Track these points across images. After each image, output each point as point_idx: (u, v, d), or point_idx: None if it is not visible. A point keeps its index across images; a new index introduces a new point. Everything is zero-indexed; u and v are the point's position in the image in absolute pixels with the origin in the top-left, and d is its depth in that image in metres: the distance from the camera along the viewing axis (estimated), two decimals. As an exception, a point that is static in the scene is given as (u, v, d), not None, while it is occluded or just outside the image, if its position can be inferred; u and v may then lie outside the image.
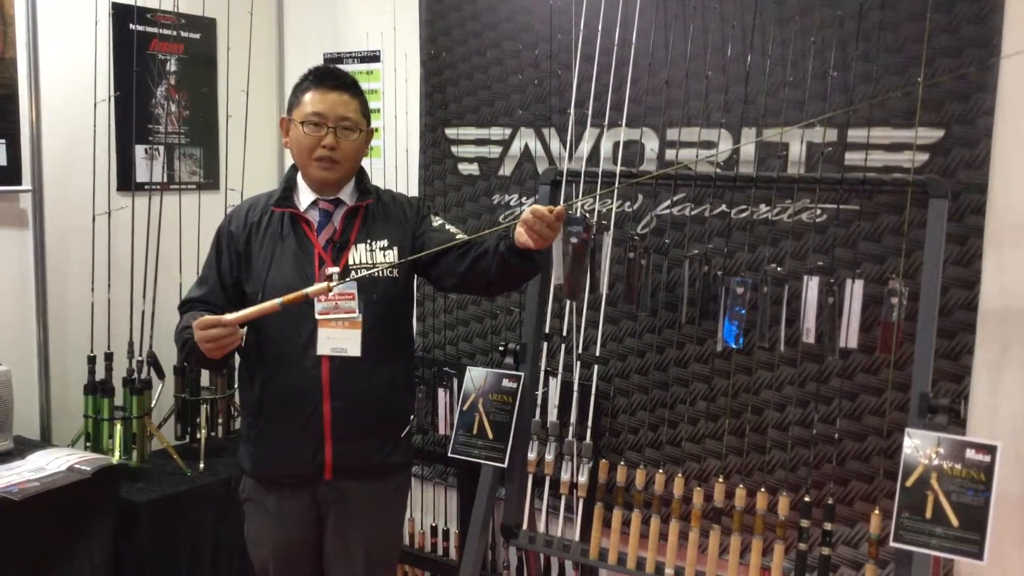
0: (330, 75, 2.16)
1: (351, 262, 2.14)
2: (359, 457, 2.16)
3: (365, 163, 2.24)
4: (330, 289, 1.93)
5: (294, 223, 2.17)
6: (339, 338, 2.06)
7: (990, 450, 1.84)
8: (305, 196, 2.19)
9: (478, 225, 2.95)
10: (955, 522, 1.83)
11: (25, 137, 2.80)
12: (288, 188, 2.20)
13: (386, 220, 2.22)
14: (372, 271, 2.10)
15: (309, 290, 1.93)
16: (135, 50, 3.02)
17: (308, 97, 2.12)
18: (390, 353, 2.18)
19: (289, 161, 2.29)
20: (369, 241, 2.17)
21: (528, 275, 2.20)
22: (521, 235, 1.92)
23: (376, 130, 3.13)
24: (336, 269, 2.09)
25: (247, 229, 2.19)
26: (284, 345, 2.13)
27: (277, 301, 1.93)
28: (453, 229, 2.22)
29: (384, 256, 2.17)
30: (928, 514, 1.86)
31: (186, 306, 2.22)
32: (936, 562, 1.94)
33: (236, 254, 2.18)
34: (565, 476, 2.37)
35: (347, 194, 2.20)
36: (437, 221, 2.25)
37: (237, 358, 2.30)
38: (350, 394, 2.13)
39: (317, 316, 2.08)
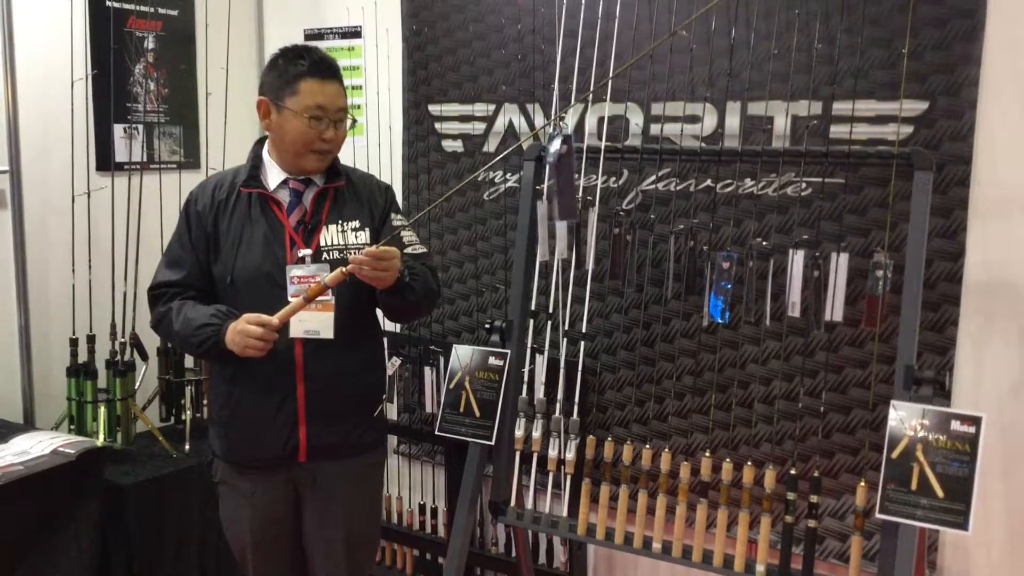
0: (326, 65, 2.08)
1: (323, 243, 2.11)
2: (333, 438, 2.15)
3: (348, 141, 2.21)
4: (344, 275, 1.92)
5: (263, 204, 2.12)
6: (312, 321, 2.03)
7: (975, 421, 1.84)
8: (274, 176, 2.13)
9: (462, 203, 2.93)
10: (940, 493, 1.84)
11: (1, 117, 2.77)
12: (255, 167, 2.14)
13: (356, 201, 2.18)
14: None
15: (327, 278, 1.93)
16: (112, 27, 2.97)
17: (307, 87, 2.03)
18: (361, 334, 2.18)
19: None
20: (340, 222, 2.14)
21: (406, 310, 2.19)
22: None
23: (358, 107, 3.12)
24: (308, 251, 2.07)
25: (214, 208, 2.13)
26: None
27: (302, 298, 1.94)
28: (410, 236, 2.20)
29: (356, 237, 2.15)
30: (913, 486, 1.86)
31: (160, 290, 2.16)
32: (922, 533, 1.96)
33: (205, 234, 2.13)
34: (552, 453, 2.37)
35: (318, 174, 2.17)
36: (397, 221, 2.21)
37: None
38: (324, 376, 2.11)
39: (290, 299, 2.01)
